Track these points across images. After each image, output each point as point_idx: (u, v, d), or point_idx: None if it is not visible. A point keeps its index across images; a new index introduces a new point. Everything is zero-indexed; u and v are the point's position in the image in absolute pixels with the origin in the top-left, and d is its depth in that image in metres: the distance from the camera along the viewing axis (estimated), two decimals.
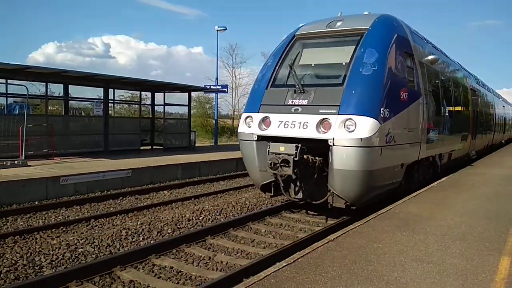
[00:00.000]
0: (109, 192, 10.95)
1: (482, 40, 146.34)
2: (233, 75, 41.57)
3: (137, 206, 9.46)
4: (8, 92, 14.58)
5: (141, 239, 7.02)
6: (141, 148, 17.69)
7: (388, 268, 4.70)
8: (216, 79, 24.58)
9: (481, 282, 4.33)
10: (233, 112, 41.45)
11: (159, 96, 20.20)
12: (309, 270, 4.57)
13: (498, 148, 23.69)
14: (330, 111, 7.34)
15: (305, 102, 7.70)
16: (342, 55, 8.25)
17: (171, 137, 19.08)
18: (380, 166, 7.55)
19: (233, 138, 34.14)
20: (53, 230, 7.50)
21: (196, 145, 20.91)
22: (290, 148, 7.33)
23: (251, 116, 8.29)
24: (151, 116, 20.64)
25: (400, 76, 8.30)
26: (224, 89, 24.60)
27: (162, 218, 8.24)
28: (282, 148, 7.45)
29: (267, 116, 8.02)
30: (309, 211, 9.05)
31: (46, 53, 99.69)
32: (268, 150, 7.65)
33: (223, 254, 6.49)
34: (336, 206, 7.66)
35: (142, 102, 22.39)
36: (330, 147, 7.17)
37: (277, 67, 8.65)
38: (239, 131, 8.59)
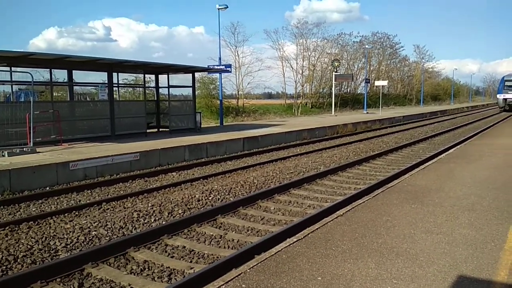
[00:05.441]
0: (118, 176, 11.06)
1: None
2: (236, 54, 40.99)
3: (147, 188, 9.55)
4: (12, 79, 14.59)
5: (152, 220, 7.12)
6: (148, 131, 17.75)
7: (397, 240, 4.76)
8: (219, 58, 24.38)
9: (491, 251, 4.38)
10: (238, 92, 40.68)
11: (162, 79, 20.14)
12: (320, 245, 4.64)
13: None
14: None
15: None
16: None
17: (177, 119, 19.05)
18: None
19: (239, 118, 33.91)
20: (66, 214, 7.60)
21: (202, 126, 20.93)
22: None
23: (500, 94, 43.02)
24: (156, 99, 20.63)
25: None
26: (227, 68, 24.38)
27: (172, 199, 8.34)
28: (511, 100, 42.38)
29: (504, 95, 42.28)
30: None
31: (48, 39, 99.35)
32: (506, 100, 42.40)
33: (234, 232, 6.59)
34: None
35: (146, 85, 22.35)
36: None
37: (503, 85, 42.70)
38: (498, 97, 43.93)
